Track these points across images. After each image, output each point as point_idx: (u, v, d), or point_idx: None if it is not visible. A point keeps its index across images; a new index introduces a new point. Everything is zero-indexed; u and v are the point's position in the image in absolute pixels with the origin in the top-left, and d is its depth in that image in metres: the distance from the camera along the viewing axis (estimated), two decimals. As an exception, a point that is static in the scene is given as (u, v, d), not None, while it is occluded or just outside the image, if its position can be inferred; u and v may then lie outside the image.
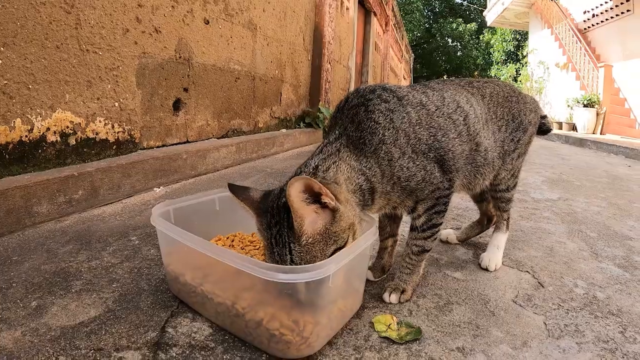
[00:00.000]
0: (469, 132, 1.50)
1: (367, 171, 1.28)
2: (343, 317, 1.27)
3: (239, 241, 1.59)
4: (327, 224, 1.12)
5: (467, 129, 1.50)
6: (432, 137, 1.38)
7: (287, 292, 1.07)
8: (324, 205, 1.11)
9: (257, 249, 1.53)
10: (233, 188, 1.28)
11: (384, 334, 1.24)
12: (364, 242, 1.23)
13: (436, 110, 1.44)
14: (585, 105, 11.31)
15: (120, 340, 1.17)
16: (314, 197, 1.09)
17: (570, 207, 2.99)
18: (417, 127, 1.36)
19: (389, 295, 1.44)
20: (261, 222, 1.19)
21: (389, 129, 1.30)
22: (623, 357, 1.23)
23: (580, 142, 8.93)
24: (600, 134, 11.02)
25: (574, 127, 11.83)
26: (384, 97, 1.36)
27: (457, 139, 1.45)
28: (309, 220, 1.09)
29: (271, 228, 1.15)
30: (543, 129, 1.93)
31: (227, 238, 1.62)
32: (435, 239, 1.48)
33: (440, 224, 1.46)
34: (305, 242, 1.09)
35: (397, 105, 1.35)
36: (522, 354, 1.21)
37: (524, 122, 1.76)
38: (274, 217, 1.14)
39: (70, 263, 1.62)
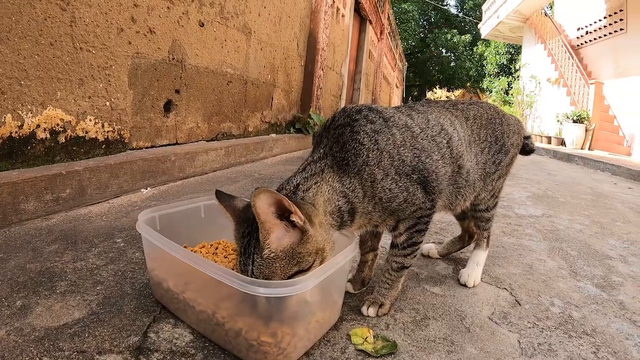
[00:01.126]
0: (451, 155, 1.53)
1: (349, 193, 1.29)
2: (321, 328, 1.28)
3: (223, 249, 1.60)
4: (294, 244, 1.13)
5: (450, 152, 1.52)
6: (416, 159, 1.40)
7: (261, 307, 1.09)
8: (293, 225, 1.12)
9: None
10: (219, 195, 1.29)
11: (360, 347, 1.26)
12: (343, 258, 1.24)
13: (421, 132, 1.46)
14: (574, 121, 11.44)
15: (103, 343, 1.18)
16: (285, 214, 1.10)
17: (552, 224, 3.03)
18: (402, 148, 1.38)
19: (367, 309, 1.47)
20: (237, 230, 1.21)
21: (373, 151, 1.32)
22: None
23: (568, 158, 9.03)
24: (589, 149, 11.15)
25: (562, 142, 11.96)
26: (370, 118, 1.38)
27: (440, 161, 1.48)
28: (276, 234, 1.10)
29: (243, 238, 1.16)
30: (526, 150, 1.96)
31: (212, 245, 1.63)
32: (415, 256, 1.50)
33: (421, 242, 1.48)
34: (267, 255, 1.10)
35: (382, 127, 1.37)
36: (495, 372, 1.23)
37: (506, 145, 1.79)
38: (248, 227, 1.16)
39: (56, 263, 1.62)
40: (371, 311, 1.46)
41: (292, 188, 1.24)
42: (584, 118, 11.41)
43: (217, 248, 1.61)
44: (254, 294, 1.04)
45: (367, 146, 1.32)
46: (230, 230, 1.65)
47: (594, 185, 5.51)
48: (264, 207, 1.06)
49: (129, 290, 1.48)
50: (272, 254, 1.10)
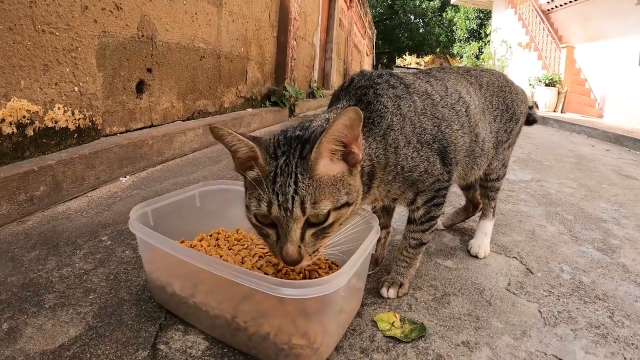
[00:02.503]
0: (470, 124, 1.46)
1: (372, 153, 1.20)
2: (348, 319, 1.22)
3: (224, 240, 1.48)
4: (344, 173, 1.01)
5: (469, 120, 1.46)
6: (436, 128, 1.33)
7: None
8: (343, 156, 1.01)
9: (246, 249, 1.42)
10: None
11: (388, 333, 1.20)
12: (369, 243, 1.16)
13: (440, 100, 1.39)
14: (547, 85, 11.54)
15: (109, 363, 1.04)
16: (344, 141, 0.99)
17: (543, 189, 3.03)
18: (422, 116, 1.31)
19: (387, 290, 1.40)
20: (265, 155, 1.01)
21: (396, 115, 1.24)
22: (615, 342, 1.26)
23: (543, 120, 9.11)
24: (561, 112, 11.29)
25: (535, 105, 12.04)
26: (392, 82, 1.30)
27: (459, 131, 1.41)
28: (325, 161, 0.99)
29: (277, 158, 0.99)
30: (530, 120, 1.93)
31: (211, 236, 1.50)
32: (432, 231, 1.44)
33: (439, 216, 1.42)
34: (316, 176, 0.97)
35: (404, 93, 1.30)
36: (524, 344, 1.21)
37: (517, 113, 1.74)
38: (281, 147, 1.01)
39: (39, 272, 1.43)
40: (391, 292, 1.40)
41: (323, 122, 1.11)
42: (556, 81, 11.51)
43: (217, 239, 1.49)
44: (303, 297, 0.92)
45: (391, 110, 1.24)
46: (227, 218, 1.57)
47: (573, 147, 5.57)
48: (344, 126, 0.94)
49: (125, 296, 1.32)
50: (323, 177, 0.98)
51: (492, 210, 1.87)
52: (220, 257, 1.34)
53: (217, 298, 1.11)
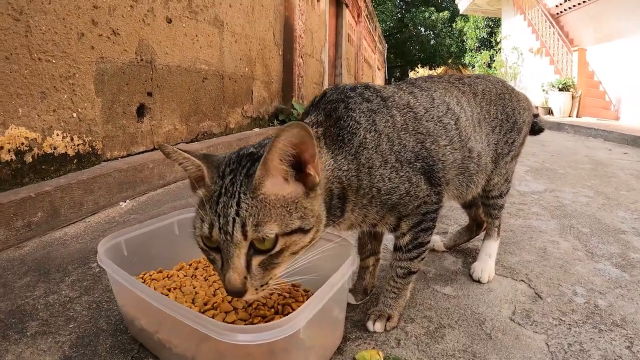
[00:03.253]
0: (460, 138, 1.34)
1: (342, 175, 1.08)
2: (322, 356, 1.11)
3: (203, 269, 1.42)
4: (299, 196, 0.92)
5: (459, 134, 1.34)
6: (419, 144, 1.22)
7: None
8: (299, 176, 0.92)
9: None
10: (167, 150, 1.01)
11: (369, 376, 1.08)
12: (340, 277, 1.06)
13: (425, 113, 1.28)
14: (560, 89, 11.34)
15: (78, 395, 1.02)
16: (295, 160, 0.90)
17: (558, 200, 2.88)
18: (403, 132, 1.20)
19: (373, 324, 1.28)
20: (211, 174, 0.95)
21: (370, 132, 1.13)
22: None
23: (558, 126, 8.90)
24: (577, 117, 11.05)
25: (550, 111, 11.86)
26: (366, 96, 1.20)
27: (448, 147, 1.29)
28: (274, 180, 0.90)
29: (224, 177, 0.93)
30: (535, 129, 1.80)
31: (190, 266, 1.45)
32: (422, 259, 1.32)
33: (428, 242, 1.29)
34: (261, 196, 0.88)
35: (380, 107, 1.19)
36: (527, 387, 1.06)
37: (519, 122, 1.60)
38: (230, 165, 0.94)
39: (27, 299, 1.47)
40: (378, 326, 1.27)
41: None
42: (569, 86, 11.31)
43: (196, 269, 1.43)
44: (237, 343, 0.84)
45: (364, 125, 1.13)
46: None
47: (589, 153, 5.38)
48: (286, 142, 0.85)
49: (104, 326, 1.31)
50: (268, 197, 0.89)
51: (496, 229, 1.73)
52: (194, 288, 1.29)
53: (178, 337, 1.06)
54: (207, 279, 1.35)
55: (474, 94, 1.51)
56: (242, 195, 0.88)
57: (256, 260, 0.90)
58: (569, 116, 11.24)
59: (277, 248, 0.90)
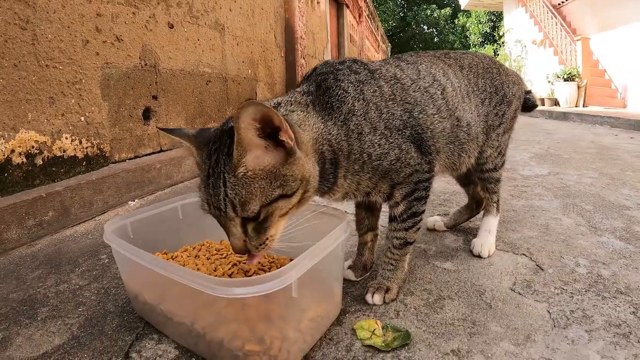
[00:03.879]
0: (448, 107, 1.37)
1: (333, 140, 1.13)
2: (318, 326, 1.13)
3: (206, 250, 1.46)
4: (277, 164, 0.96)
5: (446, 104, 1.37)
6: (407, 113, 1.25)
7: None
8: (278, 144, 0.95)
9: (224, 258, 1.39)
10: (167, 129, 1.12)
11: (367, 342, 1.10)
12: (332, 241, 1.08)
13: (412, 84, 1.31)
14: (565, 80, 11.24)
15: (84, 369, 1.06)
16: (269, 131, 0.93)
17: (561, 181, 2.87)
18: (391, 102, 1.23)
19: (372, 296, 1.30)
20: (201, 154, 1.03)
21: (358, 100, 1.17)
22: (639, 342, 1.11)
23: (564, 116, 8.85)
24: (583, 106, 10.96)
25: (556, 102, 11.78)
26: (354, 68, 1.24)
27: (436, 115, 1.32)
28: (254, 153, 0.93)
29: (210, 157, 0.98)
30: (528, 105, 1.81)
31: (194, 248, 1.48)
32: (417, 229, 1.34)
33: (422, 212, 1.32)
34: (242, 174, 0.93)
35: (368, 78, 1.23)
36: (526, 351, 1.08)
37: (508, 95, 1.63)
38: (215, 143, 0.99)
39: (38, 289, 1.52)
40: (377, 298, 1.29)
41: (272, 104, 1.08)
42: (574, 75, 11.21)
43: (199, 250, 1.47)
44: (229, 297, 0.88)
45: (352, 94, 1.17)
46: (213, 229, 1.51)
47: (595, 139, 5.34)
48: (247, 121, 0.88)
49: (111, 308, 1.37)
50: (249, 173, 0.93)
51: (495, 205, 1.74)
52: (196, 265, 1.33)
53: (180, 305, 1.11)
54: (209, 258, 1.38)
55: (460, 67, 1.54)
56: (226, 175, 0.94)
57: (250, 226, 0.98)
58: (576, 106, 11.14)
59: (262, 216, 0.96)
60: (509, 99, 1.63)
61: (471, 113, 1.47)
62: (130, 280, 1.28)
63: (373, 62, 1.35)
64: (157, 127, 1.01)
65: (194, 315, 1.04)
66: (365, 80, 1.22)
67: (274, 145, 0.95)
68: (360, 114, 1.16)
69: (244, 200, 0.93)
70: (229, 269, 1.28)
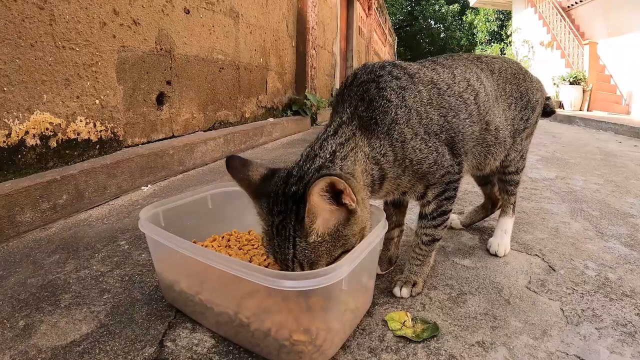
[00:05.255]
0: (479, 112, 1.43)
1: (380, 157, 1.19)
2: (355, 318, 1.19)
3: (236, 240, 1.49)
4: (340, 225, 1.02)
5: (478, 109, 1.43)
6: (442, 118, 1.31)
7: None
8: (340, 204, 1.00)
9: (256, 248, 1.43)
10: (231, 163, 1.14)
11: (399, 333, 1.17)
12: (375, 237, 1.14)
13: (447, 89, 1.36)
14: (571, 83, 11.29)
15: (116, 358, 1.07)
16: (333, 194, 0.99)
17: (568, 186, 2.95)
18: (429, 106, 1.29)
19: (400, 289, 1.37)
20: (261, 205, 1.08)
21: (401, 108, 1.22)
22: None
23: (569, 120, 8.92)
24: (587, 110, 11.02)
25: (560, 105, 11.83)
26: (395, 73, 1.28)
27: (467, 120, 1.38)
28: (323, 218, 0.99)
29: (273, 216, 1.03)
30: (547, 111, 1.87)
31: (223, 238, 1.51)
32: (445, 227, 1.41)
33: (450, 210, 1.38)
34: (313, 240, 0.99)
35: (408, 83, 1.27)
36: (544, 344, 1.15)
37: (532, 101, 1.69)
38: (278, 205, 1.03)
39: (58, 274, 1.51)
40: (404, 291, 1.37)
41: (328, 156, 1.10)
42: (580, 79, 11.26)
43: (229, 240, 1.50)
44: (283, 289, 0.92)
45: (394, 103, 1.22)
46: (241, 219, 1.57)
47: (600, 145, 5.42)
48: (318, 192, 0.94)
49: (138, 296, 1.37)
50: (319, 239, 0.99)
51: (511, 206, 1.82)
52: (229, 255, 1.34)
53: (221, 295, 1.12)
54: (241, 249, 1.43)
55: (491, 72, 1.60)
56: (297, 240, 0.99)
57: None
58: (580, 110, 11.20)
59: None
60: (533, 105, 1.69)
61: (499, 117, 1.53)
62: (164, 268, 1.28)
63: (410, 64, 1.39)
64: (226, 157, 1.05)
65: (238, 305, 1.07)
66: (406, 85, 1.26)
67: (337, 205, 1.00)
68: (403, 122, 1.21)
69: (312, 262, 1.00)
70: (264, 260, 1.32)
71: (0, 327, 1.20)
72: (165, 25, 3.20)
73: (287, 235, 1.00)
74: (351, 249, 1.04)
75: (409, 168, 1.25)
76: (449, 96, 1.35)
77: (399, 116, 1.21)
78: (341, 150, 1.12)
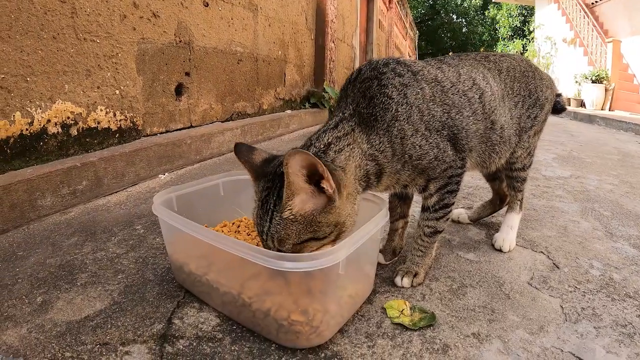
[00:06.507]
0: (484, 111, 1.45)
1: (378, 154, 1.23)
2: (354, 303, 1.23)
3: (245, 227, 1.55)
4: (316, 211, 1.07)
5: (483, 107, 1.45)
6: (445, 114, 1.33)
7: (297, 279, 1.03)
8: (321, 190, 1.05)
9: None
10: (239, 148, 1.23)
11: (396, 320, 1.21)
12: (374, 225, 1.18)
13: (451, 87, 1.39)
14: (593, 81, 11.11)
15: (127, 333, 1.14)
16: (315, 178, 1.04)
17: (582, 185, 2.93)
18: (431, 103, 1.31)
19: (401, 279, 1.41)
20: (257, 184, 1.17)
21: (402, 105, 1.25)
22: None
23: (589, 119, 8.79)
24: (609, 110, 10.84)
25: (582, 104, 11.66)
26: (398, 71, 1.30)
27: (471, 117, 1.40)
28: (300, 198, 1.05)
29: (263, 191, 1.12)
30: (557, 108, 1.87)
31: (233, 224, 1.57)
32: (447, 219, 1.44)
33: (452, 203, 1.41)
34: (287, 216, 1.05)
35: (411, 80, 1.30)
36: (540, 339, 1.17)
37: (541, 99, 1.70)
38: (268, 182, 1.11)
39: (76, 255, 1.59)
40: (405, 281, 1.40)
41: (322, 147, 1.16)
42: (602, 78, 11.07)
43: (239, 226, 1.56)
44: (282, 270, 0.98)
45: (395, 100, 1.25)
46: (252, 207, 1.62)
47: (618, 145, 5.34)
48: (295, 168, 0.99)
49: (150, 277, 1.44)
50: (292, 216, 1.05)
51: (519, 202, 1.83)
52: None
53: (227, 275, 1.19)
54: (250, 234, 1.48)
55: (498, 71, 1.61)
56: (274, 213, 1.07)
57: None
58: (602, 109, 11.02)
59: (294, 250, 1.08)
60: (542, 102, 1.70)
61: (505, 116, 1.55)
62: (175, 251, 1.35)
63: (415, 62, 1.41)
64: (235, 143, 1.17)
65: (241, 286, 1.13)
66: (409, 83, 1.29)
67: (318, 191, 1.05)
68: (403, 118, 1.24)
69: (280, 239, 1.06)
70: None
71: (19, 302, 1.28)
72: (184, 18, 3.26)
73: (267, 209, 1.08)
74: (322, 239, 1.09)
75: (408, 163, 1.28)
76: (452, 94, 1.38)
77: (399, 113, 1.24)
78: (337, 144, 1.17)
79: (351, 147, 1.18)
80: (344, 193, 1.11)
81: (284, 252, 1.06)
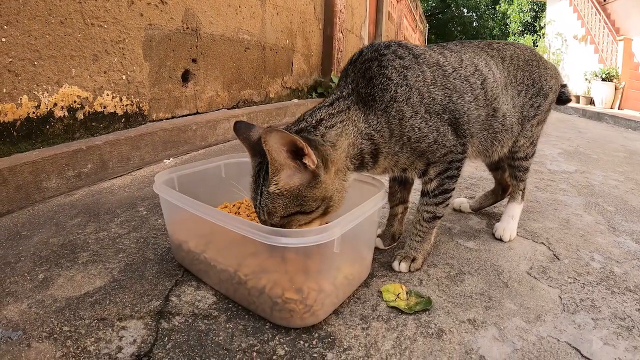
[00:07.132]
0: (486, 97, 1.44)
1: (374, 133, 1.23)
2: (350, 285, 1.23)
3: (246, 208, 1.56)
4: (301, 185, 1.08)
5: (485, 94, 1.44)
6: (447, 98, 1.33)
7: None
8: (305, 165, 1.06)
9: None
10: (238, 126, 1.27)
11: (392, 304, 1.21)
12: (371, 206, 1.18)
13: (453, 71, 1.38)
14: (603, 79, 10.99)
15: (124, 309, 1.16)
16: (299, 154, 1.05)
17: (587, 180, 2.92)
18: (432, 86, 1.30)
19: (399, 264, 1.41)
20: (254, 160, 1.19)
21: (401, 86, 1.25)
22: None
23: (598, 116, 8.72)
24: (619, 109, 10.74)
25: (591, 101, 11.56)
26: (399, 53, 1.30)
27: (473, 103, 1.40)
28: (286, 174, 1.07)
29: (255, 167, 1.16)
30: (562, 98, 1.85)
31: (234, 205, 1.59)
32: (447, 205, 1.43)
33: (453, 189, 1.41)
34: (272, 190, 1.08)
35: (412, 63, 1.30)
36: (536, 328, 1.17)
37: (545, 88, 1.69)
38: (260, 158, 1.14)
39: (78, 235, 1.62)
40: (403, 266, 1.40)
41: (314, 122, 1.18)
42: (613, 76, 10.94)
43: (239, 208, 1.57)
44: (277, 245, 0.99)
45: (395, 81, 1.25)
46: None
47: (626, 143, 5.30)
48: (275, 146, 1.02)
49: (151, 256, 1.47)
50: (277, 191, 1.08)
51: (520, 193, 1.82)
52: None
53: (225, 253, 1.20)
54: (249, 215, 1.49)
55: (502, 59, 1.60)
56: (263, 187, 1.10)
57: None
58: (611, 107, 10.91)
59: (283, 222, 1.12)
60: (546, 92, 1.69)
61: (507, 104, 1.54)
62: (176, 229, 1.37)
63: (418, 46, 1.40)
64: (235, 122, 1.21)
65: (238, 264, 1.14)
66: (409, 65, 1.28)
67: (304, 166, 1.07)
68: (402, 100, 1.24)
69: (269, 212, 1.10)
70: (271, 226, 1.38)
71: (21, 279, 1.30)
72: (191, 5, 3.26)
73: (259, 183, 1.12)
74: (309, 213, 1.11)
75: (407, 145, 1.28)
76: (454, 78, 1.37)
77: (398, 94, 1.24)
78: (329, 120, 1.18)
79: (344, 124, 1.19)
80: (332, 169, 1.13)
81: (274, 224, 1.09)
